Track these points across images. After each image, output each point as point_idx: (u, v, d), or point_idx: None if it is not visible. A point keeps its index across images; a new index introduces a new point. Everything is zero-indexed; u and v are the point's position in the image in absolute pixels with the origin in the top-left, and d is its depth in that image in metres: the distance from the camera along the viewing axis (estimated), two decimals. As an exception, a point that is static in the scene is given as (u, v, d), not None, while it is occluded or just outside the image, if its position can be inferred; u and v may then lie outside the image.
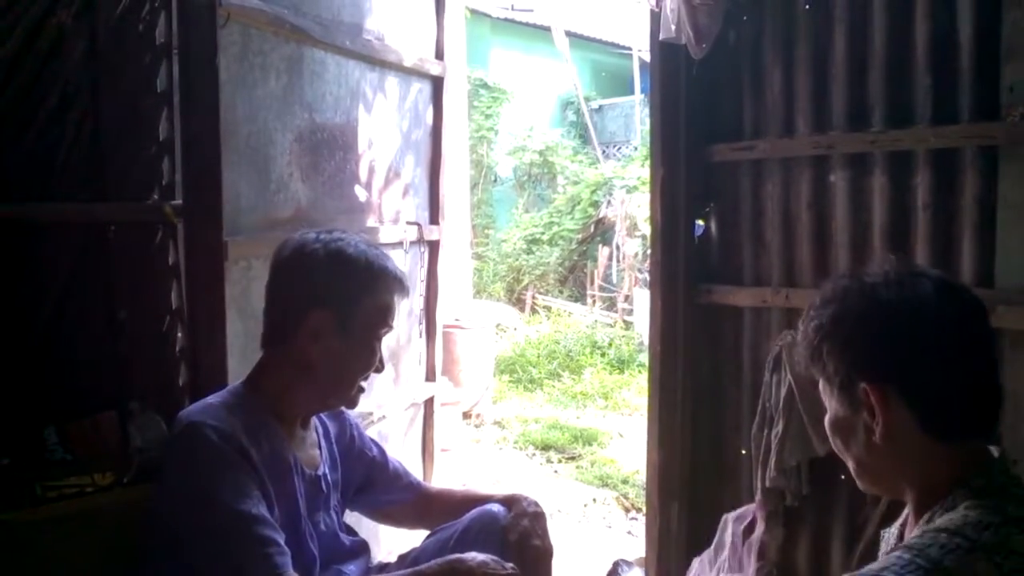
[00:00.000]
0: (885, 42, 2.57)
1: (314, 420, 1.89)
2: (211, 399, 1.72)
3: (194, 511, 1.57)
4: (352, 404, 1.87)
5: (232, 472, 1.57)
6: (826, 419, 1.32)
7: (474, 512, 1.97)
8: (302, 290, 1.75)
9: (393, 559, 2.02)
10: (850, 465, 1.32)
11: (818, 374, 1.30)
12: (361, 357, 1.77)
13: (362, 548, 1.91)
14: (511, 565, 1.75)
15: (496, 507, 1.98)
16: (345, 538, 1.87)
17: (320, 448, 1.87)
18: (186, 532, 1.57)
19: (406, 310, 3.57)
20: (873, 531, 2.58)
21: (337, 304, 1.72)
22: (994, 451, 1.24)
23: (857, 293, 1.25)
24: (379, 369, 1.83)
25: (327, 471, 1.84)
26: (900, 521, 1.35)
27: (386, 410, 3.34)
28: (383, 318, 1.78)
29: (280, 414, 1.74)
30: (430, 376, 3.85)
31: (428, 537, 2.02)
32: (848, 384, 1.24)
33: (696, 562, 2.98)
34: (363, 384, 1.82)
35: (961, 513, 1.13)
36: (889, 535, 1.39)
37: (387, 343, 1.86)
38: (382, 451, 2.08)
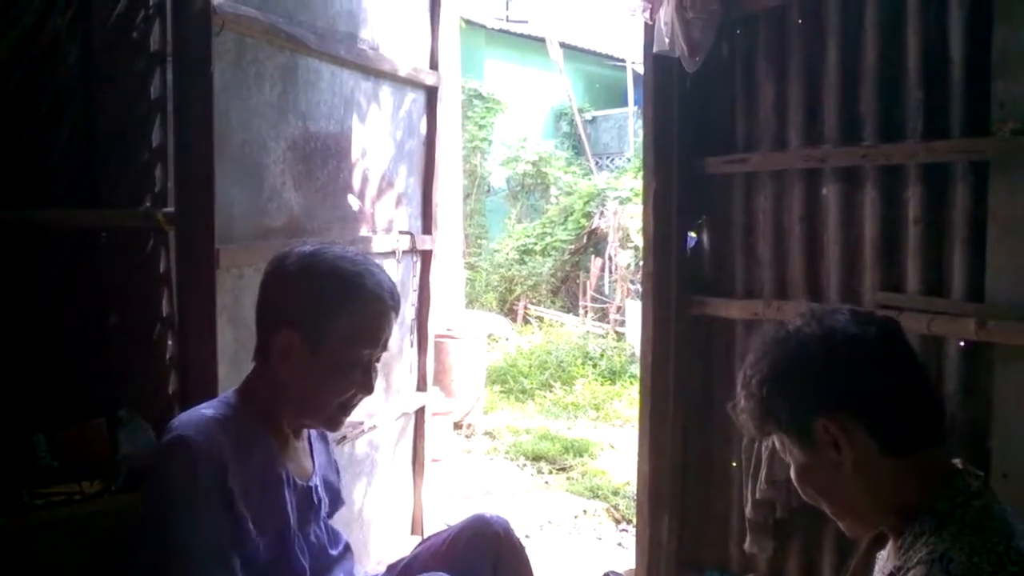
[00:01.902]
0: (877, 57, 2.59)
1: (306, 431, 1.84)
2: (205, 410, 1.66)
3: (154, 529, 1.54)
4: (332, 427, 1.76)
5: (199, 500, 1.52)
6: (792, 474, 1.34)
7: (468, 518, 1.96)
8: (272, 308, 1.67)
9: (382, 569, 2.00)
10: (829, 510, 1.34)
11: (772, 430, 1.33)
12: (334, 381, 1.65)
13: (347, 550, 1.89)
14: None
15: (490, 513, 1.97)
16: (333, 548, 1.85)
17: (312, 457, 1.83)
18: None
19: (398, 320, 3.56)
20: (865, 546, 2.58)
21: (306, 324, 1.61)
22: (957, 463, 1.27)
23: (785, 339, 1.31)
24: (367, 391, 1.70)
25: (318, 482, 1.81)
26: (890, 545, 1.36)
27: (377, 420, 3.34)
28: (363, 339, 1.65)
29: (271, 426, 1.70)
30: (421, 386, 3.85)
31: (419, 545, 2.01)
32: (804, 426, 1.27)
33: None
34: (345, 406, 1.70)
35: (927, 549, 1.17)
36: (883, 559, 1.40)
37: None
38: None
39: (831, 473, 1.27)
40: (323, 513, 1.82)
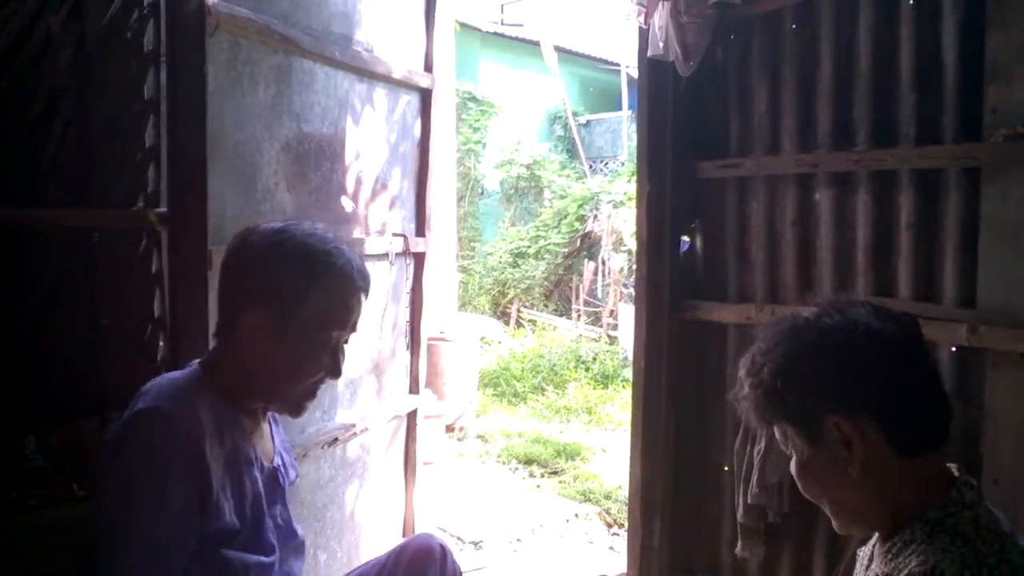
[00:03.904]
0: (870, 62, 2.60)
1: (268, 413, 1.77)
2: (178, 380, 1.58)
3: (112, 509, 1.46)
4: (296, 412, 1.68)
5: (171, 482, 1.44)
6: (792, 467, 1.31)
7: (413, 539, 1.96)
8: (237, 288, 1.60)
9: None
10: (827, 507, 1.31)
11: (776, 421, 1.30)
12: (302, 362, 1.58)
13: (303, 542, 1.86)
14: None
15: (435, 539, 1.96)
16: (294, 532, 1.81)
17: (273, 440, 1.78)
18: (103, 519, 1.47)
19: (391, 322, 3.56)
20: (854, 549, 2.58)
21: (274, 305, 1.55)
22: (954, 469, 1.26)
23: (803, 329, 1.27)
24: (334, 375, 1.64)
25: (281, 463, 1.75)
26: (872, 542, 1.35)
27: (369, 422, 3.33)
28: (333, 320, 1.59)
29: (240, 406, 1.63)
30: (414, 388, 3.84)
31: (355, 570, 2.01)
32: (813, 421, 1.24)
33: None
34: (312, 391, 1.64)
35: (916, 560, 1.16)
36: (863, 554, 1.40)
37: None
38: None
39: (835, 470, 1.24)
40: (286, 495, 1.78)
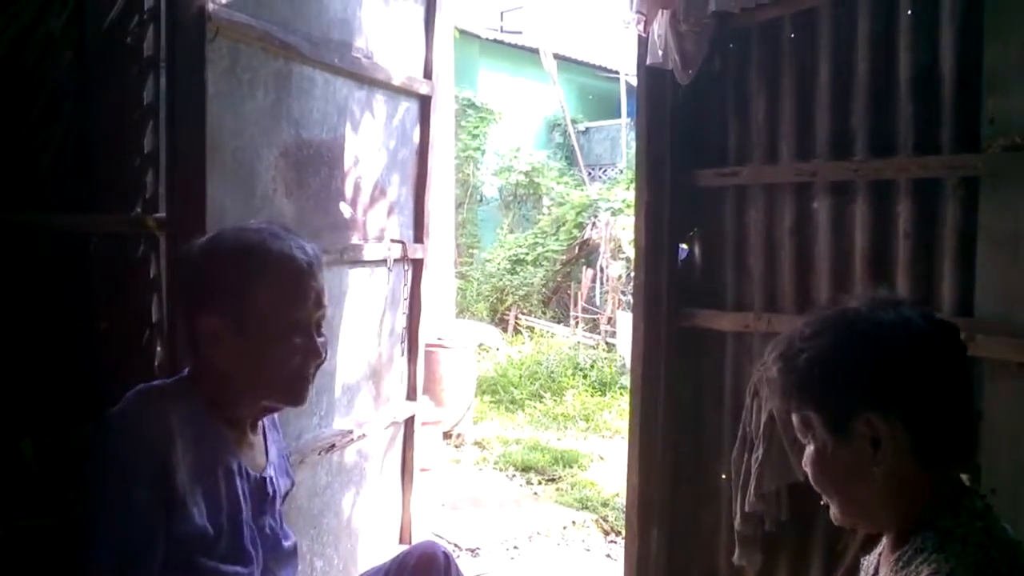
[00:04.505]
0: (868, 72, 2.60)
1: (261, 423, 1.77)
2: (157, 388, 1.61)
3: (84, 510, 1.50)
4: (294, 400, 1.66)
5: (132, 480, 1.47)
6: (807, 457, 1.29)
7: (417, 546, 1.96)
8: (185, 295, 1.62)
9: None
10: (835, 501, 1.29)
11: (802, 407, 1.27)
12: (273, 352, 1.57)
13: (295, 549, 1.86)
14: None
15: (438, 546, 1.96)
16: (285, 542, 1.81)
17: (267, 452, 1.78)
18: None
19: (388, 329, 3.56)
20: (852, 558, 2.58)
21: (223, 304, 1.55)
22: (965, 480, 1.26)
23: (857, 321, 1.24)
24: (316, 356, 1.62)
25: (273, 473, 1.76)
26: (878, 551, 1.35)
27: (366, 429, 3.33)
28: (285, 303, 1.57)
29: (225, 417, 1.64)
30: (411, 395, 3.84)
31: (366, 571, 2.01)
32: (844, 415, 1.21)
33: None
34: (299, 375, 1.62)
35: (929, 569, 1.14)
36: (868, 564, 1.39)
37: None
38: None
39: (856, 467, 1.22)
40: (278, 505, 1.78)
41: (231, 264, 1.57)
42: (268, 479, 1.73)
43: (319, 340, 1.64)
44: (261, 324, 1.56)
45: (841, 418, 1.22)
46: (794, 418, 1.29)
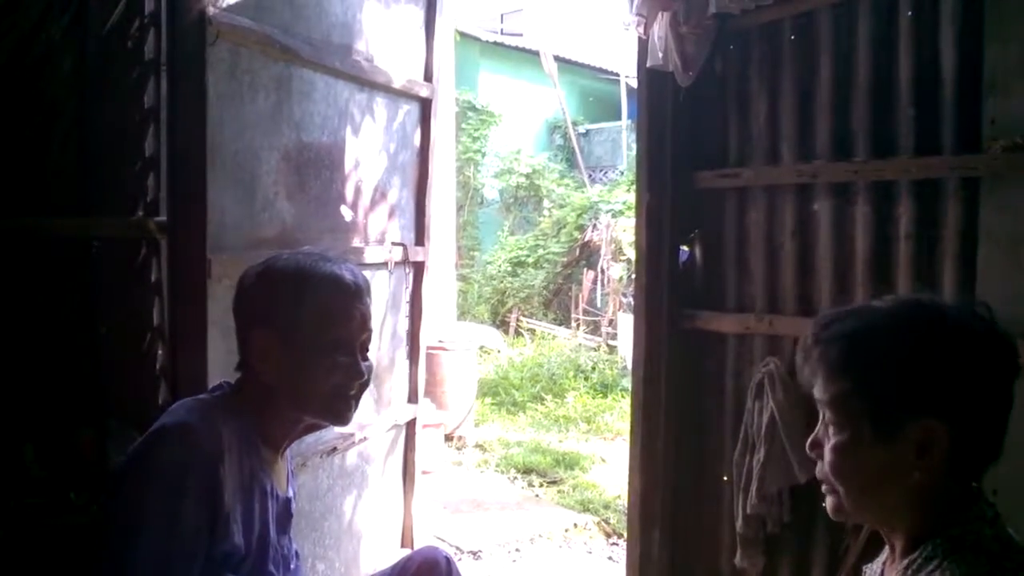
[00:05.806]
0: (869, 73, 2.60)
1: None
2: (205, 399, 1.66)
3: (125, 517, 1.49)
4: (337, 418, 1.71)
5: (185, 494, 1.47)
6: (835, 444, 1.19)
7: (419, 551, 1.96)
8: (242, 313, 1.69)
9: None
10: (851, 495, 1.20)
11: (852, 393, 1.16)
12: (316, 364, 1.63)
13: (299, 568, 1.88)
14: None
15: (440, 551, 1.97)
16: (294, 562, 1.84)
17: (289, 473, 1.83)
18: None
19: (390, 331, 3.56)
20: (854, 559, 2.58)
21: (274, 318, 1.63)
22: (974, 487, 1.22)
23: (932, 321, 1.16)
24: (357, 375, 1.68)
25: (292, 495, 1.81)
26: (881, 559, 1.32)
27: (368, 431, 3.33)
28: (331, 319, 1.64)
29: (264, 435, 1.69)
30: (413, 398, 3.84)
31: None
32: (898, 416, 1.14)
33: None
34: (342, 394, 1.67)
35: None
36: (871, 571, 1.37)
37: (371, 356, 1.77)
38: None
39: (891, 469, 1.15)
40: (291, 526, 1.81)
41: (282, 281, 1.65)
42: (291, 499, 1.78)
43: (364, 363, 1.70)
44: (306, 339, 1.63)
45: (893, 417, 1.14)
46: (826, 396, 1.19)
